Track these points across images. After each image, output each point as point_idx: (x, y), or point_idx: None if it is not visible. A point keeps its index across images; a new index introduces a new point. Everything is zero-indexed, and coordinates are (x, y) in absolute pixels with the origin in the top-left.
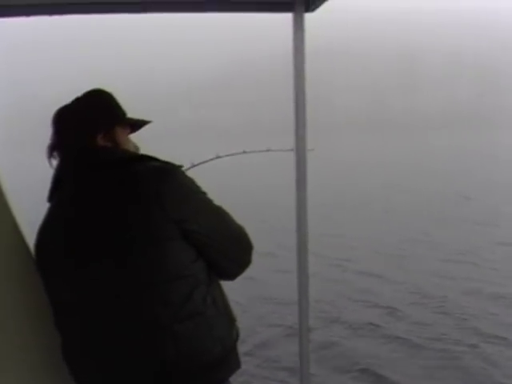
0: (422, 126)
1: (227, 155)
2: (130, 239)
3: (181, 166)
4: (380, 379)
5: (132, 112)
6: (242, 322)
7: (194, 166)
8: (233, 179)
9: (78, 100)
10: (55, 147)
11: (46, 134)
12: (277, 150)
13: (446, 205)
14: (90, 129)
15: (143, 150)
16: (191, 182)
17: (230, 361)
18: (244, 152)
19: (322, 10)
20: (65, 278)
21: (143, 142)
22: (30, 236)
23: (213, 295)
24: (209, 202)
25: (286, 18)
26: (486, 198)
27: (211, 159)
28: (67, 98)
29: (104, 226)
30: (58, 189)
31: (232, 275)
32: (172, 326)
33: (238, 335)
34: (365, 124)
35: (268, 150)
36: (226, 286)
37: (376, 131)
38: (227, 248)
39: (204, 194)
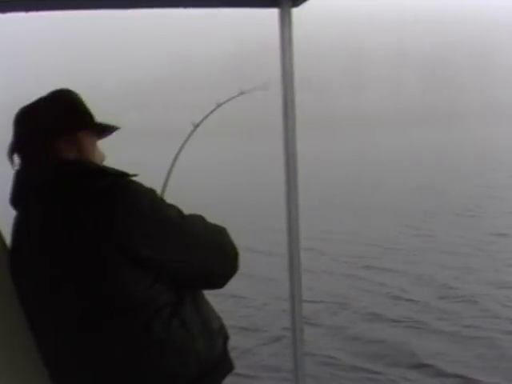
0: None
1: (227, 101)
2: (76, 269)
3: (134, 176)
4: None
5: None
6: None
7: (219, 105)
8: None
9: (40, 100)
10: (14, 150)
11: None
12: (250, 90)
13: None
14: (51, 131)
15: None
16: (145, 199)
17: (217, 368)
18: (242, 93)
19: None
20: (32, 294)
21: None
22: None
23: (181, 317)
24: (168, 218)
25: (247, 17)
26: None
27: (213, 110)
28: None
29: (55, 252)
30: (19, 197)
31: (215, 288)
32: (131, 357)
33: (226, 340)
34: (312, 122)
35: (242, 93)
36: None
37: (322, 129)
38: (201, 265)
39: (164, 208)
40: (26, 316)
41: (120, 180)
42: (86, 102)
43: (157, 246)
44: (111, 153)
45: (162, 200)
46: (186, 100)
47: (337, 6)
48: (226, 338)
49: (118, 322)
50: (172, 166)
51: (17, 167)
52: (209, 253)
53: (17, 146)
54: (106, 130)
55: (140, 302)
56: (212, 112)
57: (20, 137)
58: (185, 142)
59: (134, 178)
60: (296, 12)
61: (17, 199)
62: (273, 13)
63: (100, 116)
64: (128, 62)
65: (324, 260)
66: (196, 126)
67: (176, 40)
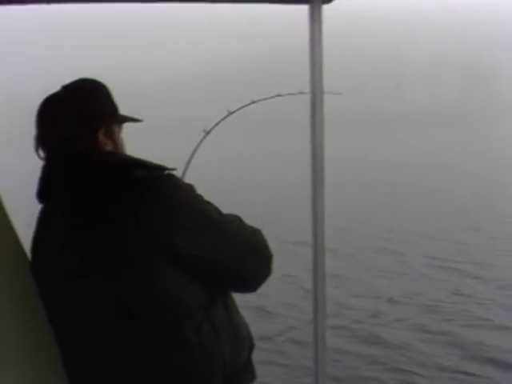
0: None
1: (262, 99)
2: (107, 264)
3: (173, 170)
4: None
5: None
6: None
7: (230, 113)
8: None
9: (71, 87)
10: (44, 140)
11: (32, 131)
12: (286, 94)
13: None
14: (91, 122)
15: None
16: (183, 192)
17: (241, 375)
18: (278, 95)
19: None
20: (56, 290)
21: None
22: (24, 237)
23: (213, 320)
24: (206, 214)
25: (280, 15)
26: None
27: (247, 105)
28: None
29: (88, 243)
30: (48, 189)
31: (248, 290)
32: (158, 359)
33: (251, 348)
34: (349, 124)
35: (278, 96)
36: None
37: (360, 131)
38: (236, 265)
39: (202, 204)
40: (48, 313)
41: (158, 173)
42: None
43: (194, 242)
44: (152, 147)
45: (200, 196)
46: (222, 96)
47: (376, 7)
48: (251, 345)
49: (149, 322)
50: (185, 169)
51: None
52: (245, 253)
53: (46, 136)
54: (126, 122)
55: (174, 302)
56: (224, 119)
57: (52, 126)
58: (196, 147)
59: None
60: (332, 11)
61: (46, 190)
62: (305, 9)
63: (138, 112)
64: (165, 59)
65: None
66: (207, 133)
67: (210, 38)
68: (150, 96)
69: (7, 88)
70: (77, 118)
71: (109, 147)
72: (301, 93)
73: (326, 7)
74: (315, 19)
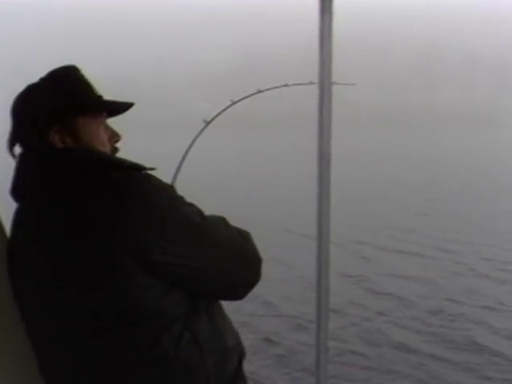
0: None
1: (268, 89)
2: (80, 272)
3: (151, 169)
4: None
5: (150, 106)
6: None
7: (234, 102)
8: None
9: (36, 83)
10: (14, 141)
11: None
12: (294, 84)
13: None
14: (41, 120)
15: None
16: (161, 195)
17: None
18: (286, 85)
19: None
20: (29, 300)
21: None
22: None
23: (193, 331)
24: (187, 218)
25: (297, 13)
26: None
27: (252, 94)
28: None
29: (57, 251)
30: (19, 190)
31: (235, 298)
32: (135, 373)
33: (241, 357)
34: (384, 120)
35: (285, 86)
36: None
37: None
38: (220, 272)
39: (183, 206)
40: (23, 318)
41: (134, 173)
42: (89, 79)
43: (172, 249)
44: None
45: (180, 198)
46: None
47: (409, 4)
48: (241, 355)
49: (123, 334)
50: (183, 159)
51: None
52: (230, 259)
53: (13, 136)
54: (118, 108)
55: (150, 314)
56: (226, 109)
57: (15, 126)
58: (195, 138)
59: (151, 172)
60: (364, 10)
61: (16, 192)
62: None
63: (169, 106)
64: (200, 54)
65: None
66: (207, 123)
67: (247, 33)
68: (177, 91)
69: (7, 84)
70: (25, 116)
71: (68, 144)
72: (310, 83)
73: (354, 5)
74: (325, 7)
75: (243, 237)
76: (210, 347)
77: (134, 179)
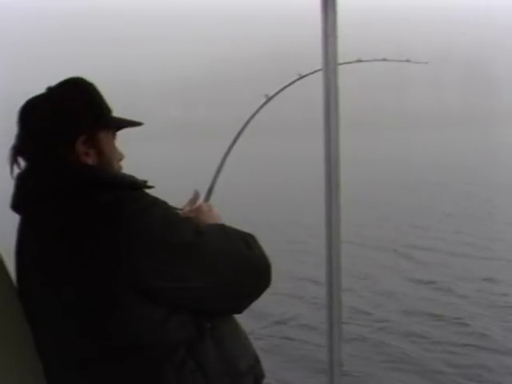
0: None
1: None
2: (76, 302)
3: (149, 188)
4: None
5: (120, 113)
6: None
7: (300, 77)
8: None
9: (51, 90)
10: (19, 152)
11: None
12: (392, 59)
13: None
14: (67, 131)
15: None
16: (155, 217)
17: None
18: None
19: None
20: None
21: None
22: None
23: (198, 357)
24: (181, 239)
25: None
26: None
27: (294, 81)
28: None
29: (51, 273)
30: (20, 204)
31: (240, 310)
32: None
33: (258, 379)
34: (355, 122)
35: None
36: None
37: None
38: (221, 289)
39: (176, 227)
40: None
41: (125, 194)
42: (102, 93)
43: (169, 273)
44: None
45: (174, 215)
46: (227, 98)
47: (377, 7)
48: (258, 377)
49: (121, 365)
50: (222, 162)
51: (19, 170)
52: (232, 271)
53: (22, 147)
54: (123, 126)
55: (149, 342)
56: (289, 85)
57: (26, 137)
58: (254, 113)
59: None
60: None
61: (17, 208)
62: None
63: (139, 114)
64: (169, 60)
65: None
66: (269, 98)
67: (215, 39)
68: (151, 97)
69: (6, 87)
70: (50, 127)
71: (91, 156)
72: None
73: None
74: (330, 9)
75: (248, 244)
76: (217, 374)
77: (127, 200)
